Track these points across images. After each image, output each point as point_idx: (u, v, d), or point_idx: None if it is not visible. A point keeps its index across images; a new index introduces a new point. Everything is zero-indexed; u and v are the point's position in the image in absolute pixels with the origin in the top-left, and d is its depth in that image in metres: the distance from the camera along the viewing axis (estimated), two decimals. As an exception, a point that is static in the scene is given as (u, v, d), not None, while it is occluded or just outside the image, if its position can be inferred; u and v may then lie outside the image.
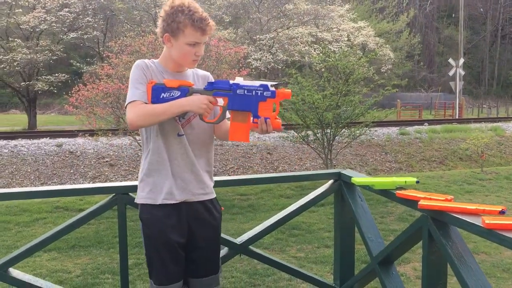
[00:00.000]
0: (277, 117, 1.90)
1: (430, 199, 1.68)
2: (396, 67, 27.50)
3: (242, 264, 5.30)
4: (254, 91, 1.88)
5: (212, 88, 1.94)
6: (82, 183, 10.51)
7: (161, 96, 1.92)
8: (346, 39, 20.90)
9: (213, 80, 2.12)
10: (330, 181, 2.39)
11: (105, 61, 11.56)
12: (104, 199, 2.34)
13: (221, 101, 1.94)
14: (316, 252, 6.30)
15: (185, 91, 1.95)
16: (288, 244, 6.46)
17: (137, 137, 9.44)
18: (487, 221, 1.40)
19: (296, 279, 4.77)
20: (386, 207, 8.01)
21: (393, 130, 15.43)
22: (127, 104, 1.94)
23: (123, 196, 2.20)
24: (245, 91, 1.89)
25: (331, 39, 20.29)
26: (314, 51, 19.39)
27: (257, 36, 20.15)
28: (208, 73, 2.20)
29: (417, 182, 1.94)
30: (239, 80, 1.92)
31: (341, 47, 18.85)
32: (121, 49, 9.82)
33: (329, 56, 10.26)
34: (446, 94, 34.87)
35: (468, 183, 10.31)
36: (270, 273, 5.10)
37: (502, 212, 1.50)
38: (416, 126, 16.85)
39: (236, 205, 8.41)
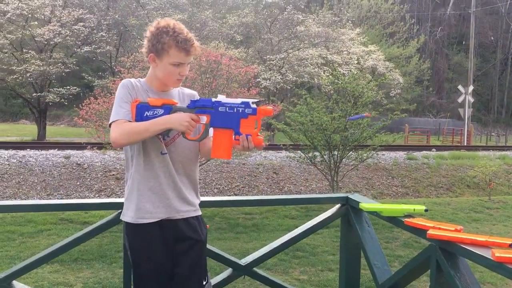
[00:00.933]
0: (258, 134, 1.92)
1: (440, 228, 1.66)
2: (405, 91, 27.53)
3: (244, 285, 5.26)
4: (235, 108, 1.91)
5: (194, 106, 1.98)
6: (88, 195, 10.53)
7: (145, 115, 1.96)
8: (356, 62, 20.99)
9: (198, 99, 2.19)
10: (338, 205, 2.37)
11: (117, 76, 11.71)
12: (109, 213, 2.34)
13: (204, 119, 1.98)
14: (319, 275, 6.24)
15: (169, 109, 1.98)
16: (291, 266, 6.40)
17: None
18: (497, 254, 1.38)
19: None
20: (391, 232, 7.94)
21: (401, 155, 15.38)
22: (110, 123, 1.97)
23: (130, 213, 2.19)
24: (227, 108, 1.92)
25: (341, 62, 20.40)
26: (324, 73, 19.49)
27: (268, 56, 20.30)
28: (194, 92, 2.24)
29: (426, 210, 1.92)
30: (221, 97, 1.95)
31: (350, 70, 18.91)
32: (133, 64, 9.94)
33: (338, 78, 10.30)
34: (454, 121, 34.80)
35: (476, 211, 10.22)
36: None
37: (511, 246, 1.48)
38: (424, 152, 16.79)
39: (241, 224, 8.38)
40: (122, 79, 9.34)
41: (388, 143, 10.03)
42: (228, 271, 2.26)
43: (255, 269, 2.30)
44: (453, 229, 1.66)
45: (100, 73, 23.63)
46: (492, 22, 48.48)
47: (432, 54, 44.36)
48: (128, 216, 2.07)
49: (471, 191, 13.51)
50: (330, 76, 13.64)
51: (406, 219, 1.81)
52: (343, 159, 9.98)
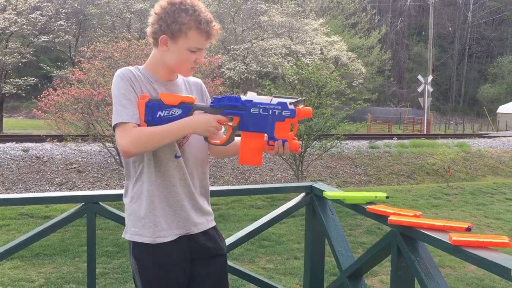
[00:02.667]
0: (294, 137, 1.69)
1: (400, 214, 1.71)
2: (367, 81, 28.00)
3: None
4: (271, 110, 1.65)
5: (220, 106, 1.67)
6: (49, 189, 10.27)
7: (158, 115, 1.64)
8: (319, 52, 21.19)
9: (205, 90, 1.92)
10: (302, 194, 2.41)
11: (76, 66, 11.41)
12: (72, 207, 2.30)
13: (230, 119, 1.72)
14: (285, 263, 6.32)
15: (188, 108, 1.66)
16: (257, 255, 6.46)
17: (107, 144, 9.31)
18: (453, 238, 1.43)
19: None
20: (355, 220, 8.11)
21: (363, 144, 15.67)
22: (114, 125, 1.64)
23: (93, 206, 2.15)
24: (261, 110, 1.65)
25: (305, 52, 20.54)
26: (288, 63, 19.58)
27: (231, 46, 20.22)
28: (200, 81, 1.93)
29: (387, 197, 1.97)
30: (251, 95, 1.67)
31: (314, 60, 19.09)
32: (93, 55, 9.70)
33: (302, 68, 10.37)
34: (414, 110, 35.68)
35: (435, 197, 10.54)
36: (239, 284, 5.08)
37: (468, 229, 1.54)
38: (386, 140, 17.16)
39: (206, 215, 8.38)
40: (82, 69, 9.16)
41: (351, 132, 10.20)
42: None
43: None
44: (413, 214, 1.71)
45: (59, 63, 22.99)
46: (450, 13, 49.83)
47: (393, 44, 45.24)
48: (142, 235, 1.73)
49: (430, 178, 13.92)
50: (294, 66, 13.72)
51: (368, 206, 1.85)
52: (308, 149, 10.09)
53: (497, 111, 35.54)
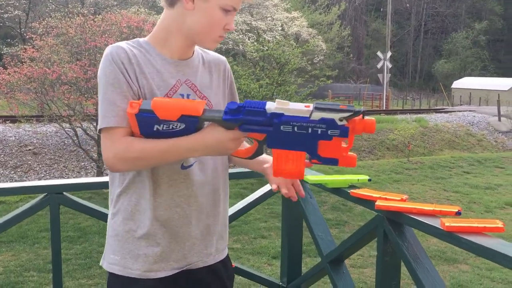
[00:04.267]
0: (349, 152, 1.22)
1: (386, 199, 1.65)
2: (327, 58, 28.12)
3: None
4: (310, 129, 1.17)
5: (238, 121, 1.20)
6: (3, 172, 9.83)
7: (155, 129, 1.23)
8: (280, 28, 21.03)
9: (229, 71, 1.49)
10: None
11: (28, 43, 10.84)
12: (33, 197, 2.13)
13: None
14: (253, 243, 6.30)
15: (194, 122, 1.23)
16: (224, 236, 6.41)
17: (64, 125, 8.93)
18: (447, 224, 1.38)
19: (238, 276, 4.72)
20: (320, 197, 8.16)
21: (325, 120, 15.76)
22: (100, 130, 1.25)
23: (57, 196, 1.99)
24: (295, 128, 1.18)
25: (266, 28, 20.34)
26: (248, 40, 19.35)
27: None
28: (223, 59, 1.50)
29: (369, 180, 1.91)
30: (281, 105, 1.18)
31: (275, 37, 18.94)
32: (46, 31, 9.21)
33: (264, 45, 10.23)
34: (373, 86, 36.27)
35: (396, 172, 10.77)
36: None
37: (458, 213, 1.49)
38: (347, 117, 17.32)
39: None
40: (34, 46, 8.68)
41: (314, 110, 10.21)
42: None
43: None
44: (399, 199, 1.66)
45: (9, 40, 21.84)
46: (406, -11, 50.55)
47: (352, 21, 45.53)
48: (126, 267, 1.32)
49: (391, 153, 14.21)
50: (255, 43, 13.54)
51: (351, 190, 1.79)
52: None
53: (452, 86, 36.60)
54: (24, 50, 8.69)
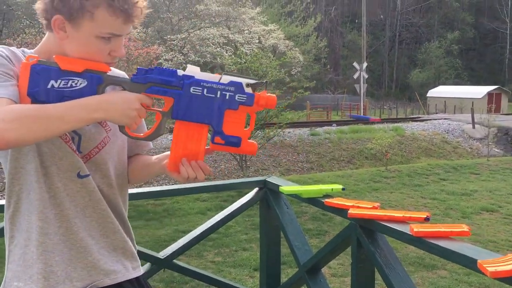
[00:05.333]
0: (250, 135, 1.21)
1: (358, 207, 1.70)
2: (305, 69, 28.42)
3: (158, 273, 5.15)
4: (219, 92, 1.15)
5: (146, 80, 1.15)
6: None
7: (50, 85, 1.11)
8: (257, 41, 21.21)
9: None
10: (256, 189, 2.35)
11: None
12: None
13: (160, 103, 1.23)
14: (234, 255, 6.29)
15: (96, 79, 1.14)
16: (205, 249, 6.38)
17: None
18: (415, 229, 1.44)
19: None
20: (300, 207, 8.20)
21: (304, 131, 15.91)
22: None
23: None
24: (205, 90, 1.15)
25: (243, 41, 20.49)
26: (226, 53, 19.46)
27: (168, 36, 19.80)
28: (123, 74, 1.35)
29: (343, 189, 1.96)
30: (193, 70, 1.17)
31: (252, 49, 19.09)
32: (21, 47, 9.13)
33: (241, 58, 10.32)
34: (351, 96, 36.69)
35: (374, 181, 10.89)
36: (188, 280, 5.00)
37: (427, 219, 1.55)
38: (326, 127, 17.52)
39: (150, 210, 8.17)
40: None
41: (293, 121, 10.30)
42: (146, 266, 2.15)
43: (174, 261, 2.21)
44: (371, 206, 1.70)
45: (-17, 57, 21.52)
46: (380, 1, 51.50)
47: (328, 32, 46.18)
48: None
49: (369, 162, 14.38)
50: (233, 56, 13.63)
51: (326, 200, 1.83)
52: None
53: (427, 95, 37.29)
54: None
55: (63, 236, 1.22)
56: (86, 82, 1.13)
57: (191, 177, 1.19)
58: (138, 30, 18.18)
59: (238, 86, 1.16)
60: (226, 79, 1.16)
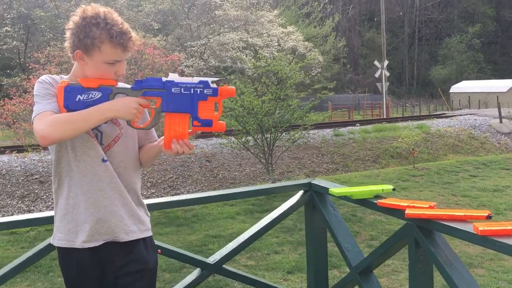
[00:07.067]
0: (219, 118, 1.68)
1: (415, 207, 1.68)
2: (325, 70, 28.29)
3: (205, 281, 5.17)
4: (192, 89, 1.64)
5: (141, 87, 1.67)
6: (10, 203, 9.84)
7: (77, 99, 1.63)
8: (276, 44, 21.19)
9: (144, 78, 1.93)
10: (300, 192, 2.34)
11: (30, 73, 10.92)
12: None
13: (153, 102, 1.73)
14: (266, 259, 6.28)
15: (107, 91, 1.66)
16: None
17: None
18: (481, 228, 1.41)
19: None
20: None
21: (328, 132, 15.82)
22: (34, 117, 1.61)
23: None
24: (182, 89, 1.64)
25: (262, 44, 20.50)
26: (246, 57, 19.50)
27: (188, 43, 19.94)
28: (126, 85, 1.90)
29: (394, 189, 1.94)
30: (173, 76, 1.67)
31: (272, 52, 19.09)
32: (48, 60, 9.31)
33: (266, 61, 10.31)
34: (372, 95, 36.36)
35: (403, 180, 10.76)
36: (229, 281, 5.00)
37: (489, 217, 1.51)
38: (349, 127, 17.39)
39: (180, 216, 8.22)
40: (37, 76, 8.77)
41: (318, 122, 10.24)
42: (196, 272, 2.16)
43: (224, 266, 2.22)
44: (427, 206, 1.68)
45: (9, 70, 22.00)
46: (398, -2, 51.00)
47: (346, 32, 45.88)
48: (61, 240, 1.73)
49: (395, 161, 14.21)
50: (253, 60, 13.64)
51: (378, 201, 1.81)
52: (276, 141, 10.07)
53: (450, 91, 36.70)
54: (27, 80, 8.76)
55: (92, 203, 1.70)
56: (100, 94, 1.65)
57: (180, 152, 1.67)
58: (159, 39, 18.39)
59: (205, 83, 1.65)
60: (196, 79, 1.65)
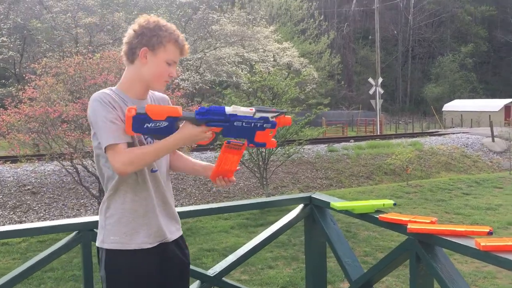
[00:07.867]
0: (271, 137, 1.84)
1: (416, 222, 1.69)
2: (319, 86, 28.46)
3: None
4: (253, 123, 1.76)
5: (205, 119, 1.75)
6: (2, 213, 9.74)
7: (145, 126, 1.72)
8: (272, 59, 21.34)
9: (170, 103, 2.03)
10: (300, 206, 2.35)
11: (25, 83, 10.92)
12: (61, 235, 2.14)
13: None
14: (260, 273, 6.24)
15: (175, 121, 1.75)
16: (232, 268, 6.36)
17: (65, 163, 8.93)
18: (483, 244, 1.42)
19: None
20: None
21: (322, 148, 15.87)
22: (105, 148, 1.72)
23: (89, 233, 2.01)
24: (243, 123, 1.76)
25: (258, 60, 20.63)
26: (242, 71, 19.60)
27: (184, 57, 20.01)
28: (166, 96, 2.05)
29: (395, 204, 1.95)
30: (235, 109, 1.76)
31: (267, 67, 19.21)
32: (44, 71, 9.30)
33: (262, 76, 10.38)
34: (365, 111, 36.58)
35: (396, 196, 10.79)
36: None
37: (490, 233, 1.53)
38: (343, 143, 17.45)
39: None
40: (35, 86, 8.75)
41: (313, 137, 10.28)
42: (196, 284, 2.15)
43: (224, 279, 2.22)
44: (429, 221, 1.70)
45: (4, 80, 21.95)
46: (392, 16, 51.61)
47: (341, 49, 46.29)
48: (123, 243, 1.83)
49: (388, 178, 14.26)
50: (248, 74, 13.72)
51: (380, 215, 1.82)
52: (271, 155, 10.09)
53: (443, 109, 37.01)
54: (23, 91, 8.74)
55: (146, 208, 1.85)
56: (167, 123, 1.74)
57: (221, 187, 1.96)
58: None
59: (266, 119, 1.78)
60: (258, 115, 1.78)
